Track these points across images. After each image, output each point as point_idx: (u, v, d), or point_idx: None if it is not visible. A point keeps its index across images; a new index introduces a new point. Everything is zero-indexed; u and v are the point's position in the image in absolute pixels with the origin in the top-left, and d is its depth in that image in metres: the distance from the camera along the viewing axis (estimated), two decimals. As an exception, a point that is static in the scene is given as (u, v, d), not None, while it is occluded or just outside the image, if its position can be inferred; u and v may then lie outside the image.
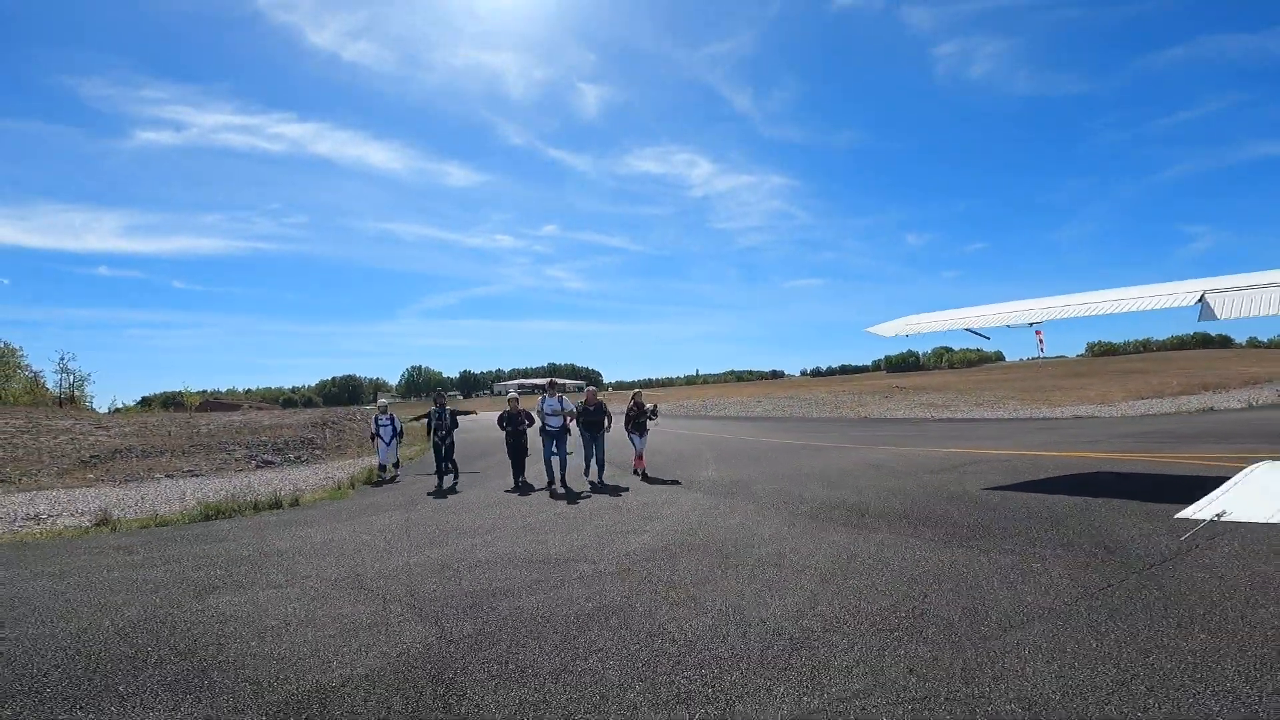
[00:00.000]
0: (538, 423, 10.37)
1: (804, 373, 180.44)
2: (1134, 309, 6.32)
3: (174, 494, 11.23)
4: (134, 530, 7.73)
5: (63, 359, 49.32)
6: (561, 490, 9.40)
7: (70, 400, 41.49)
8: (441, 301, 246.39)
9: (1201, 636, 3.17)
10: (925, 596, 3.96)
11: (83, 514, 9.13)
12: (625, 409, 11.44)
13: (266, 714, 2.92)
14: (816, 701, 2.78)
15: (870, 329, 9.57)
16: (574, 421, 10.43)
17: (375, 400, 13.53)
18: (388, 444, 12.90)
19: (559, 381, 15.69)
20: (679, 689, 2.96)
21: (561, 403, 10.37)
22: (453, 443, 11.36)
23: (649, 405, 11.53)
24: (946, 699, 2.72)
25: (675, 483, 9.62)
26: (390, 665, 3.36)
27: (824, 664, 3.12)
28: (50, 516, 9.22)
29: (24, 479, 14.45)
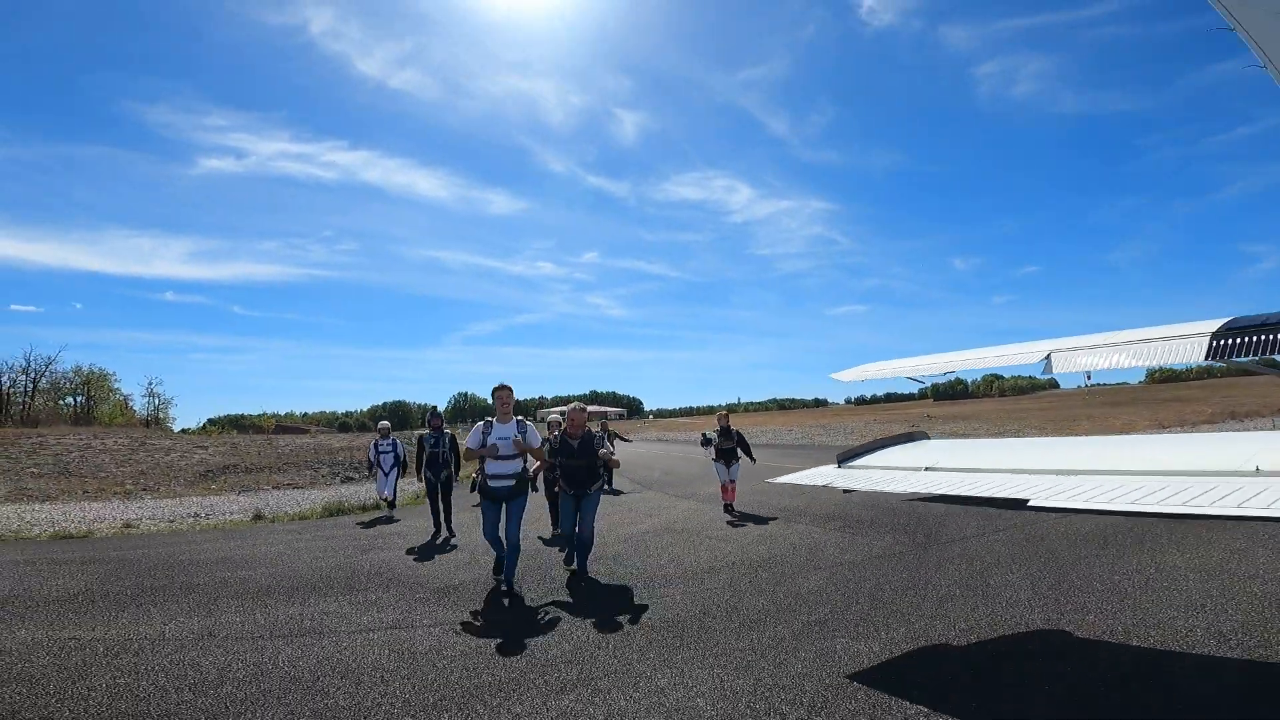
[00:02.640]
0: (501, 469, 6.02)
1: (848, 401, 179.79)
2: (991, 365, 9.05)
3: (289, 500, 14.59)
4: (285, 521, 11.00)
5: (150, 383, 54.86)
6: (506, 591, 5.85)
7: (156, 421, 46.52)
8: (485, 329, 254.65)
9: (948, 574, 5.90)
10: (788, 553, 6.76)
11: (234, 513, 12.50)
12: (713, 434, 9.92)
13: (431, 591, 5.95)
14: (700, 588, 5.64)
15: (834, 375, 12.27)
16: (538, 473, 6.60)
17: (377, 425, 12.85)
18: (387, 474, 11.69)
19: (579, 407, 7.22)
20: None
21: (522, 430, 6.05)
22: (451, 478, 9.27)
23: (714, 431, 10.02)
24: (759, 594, 5.55)
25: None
26: (482, 578, 6.36)
27: (709, 579, 5.99)
28: (208, 515, 12.60)
29: (161, 489, 18.17)
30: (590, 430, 6.64)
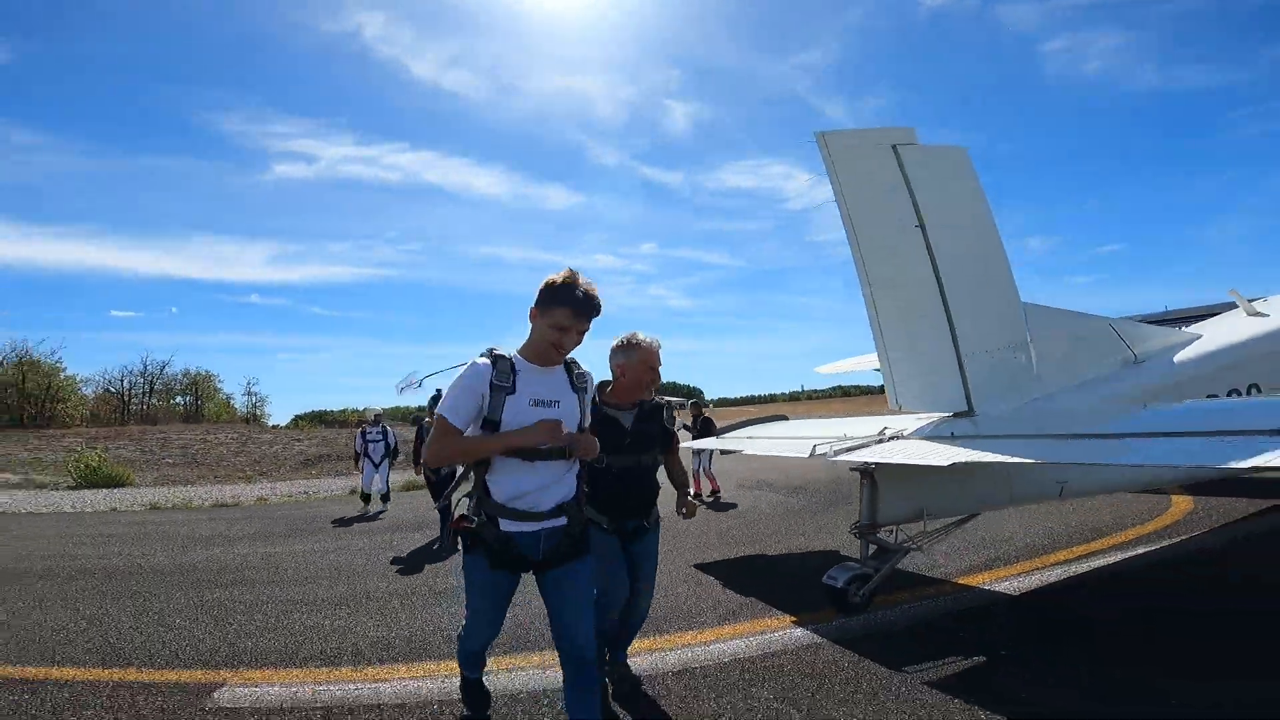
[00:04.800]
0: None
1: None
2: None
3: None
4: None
5: (248, 383, 61.37)
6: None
7: (255, 418, 52.44)
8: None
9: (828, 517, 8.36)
10: (742, 505, 9.32)
11: (334, 490, 15.95)
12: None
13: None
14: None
15: (818, 368, 14.55)
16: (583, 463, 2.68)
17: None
18: (376, 465, 10.98)
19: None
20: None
21: (586, 389, 2.66)
22: (454, 475, 6.57)
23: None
24: (716, 539, 8.16)
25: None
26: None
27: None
28: (316, 493, 16.11)
29: (272, 474, 22.22)
30: (661, 400, 3.45)
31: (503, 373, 2.43)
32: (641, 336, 3.26)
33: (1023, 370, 5.01)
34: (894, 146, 4.84)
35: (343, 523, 10.14)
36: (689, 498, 3.54)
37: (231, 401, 53.99)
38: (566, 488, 2.54)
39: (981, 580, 5.18)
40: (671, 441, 3.49)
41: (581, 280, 2.43)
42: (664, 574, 5.07)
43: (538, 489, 2.45)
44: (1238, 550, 5.87)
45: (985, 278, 5.00)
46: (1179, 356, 5.47)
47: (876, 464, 4.54)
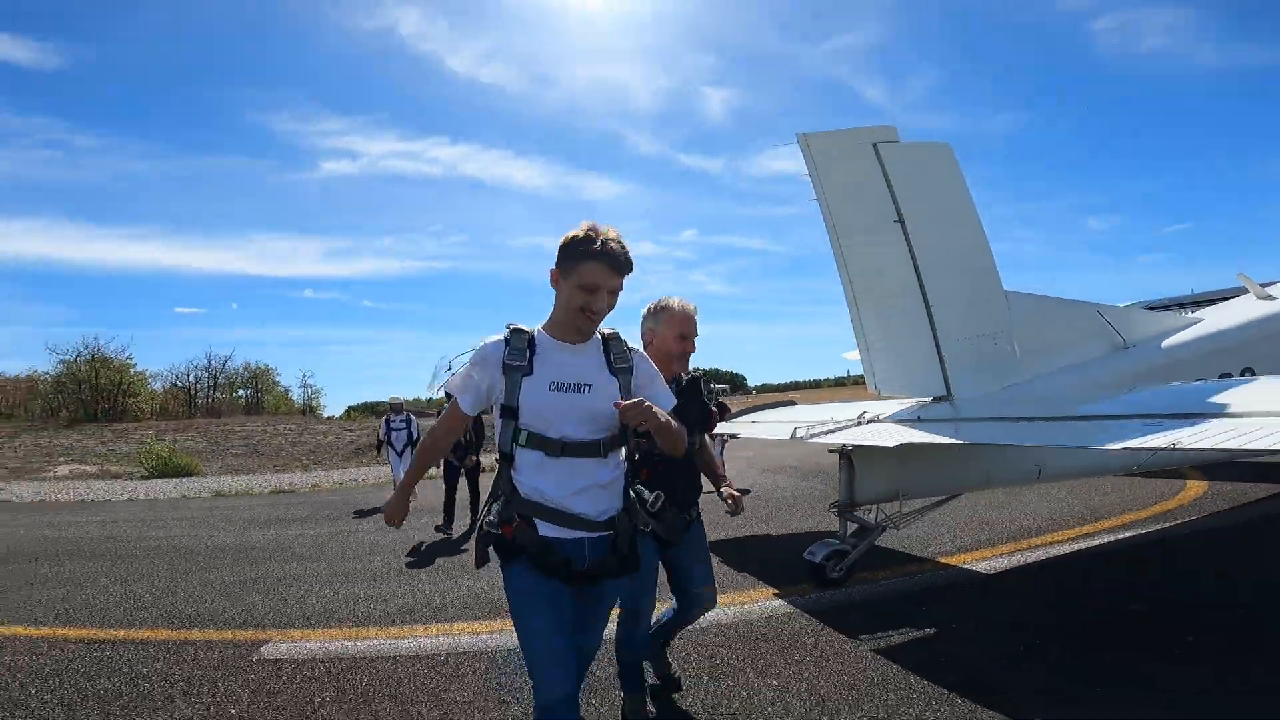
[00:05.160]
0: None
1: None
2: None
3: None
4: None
5: (304, 376, 64.15)
6: None
7: (310, 409, 54.80)
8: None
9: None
10: (759, 489, 9.70)
11: (380, 478, 16.90)
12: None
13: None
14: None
15: (845, 354, 14.71)
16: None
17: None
18: (400, 454, 10.76)
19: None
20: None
21: (627, 366, 2.16)
22: (478, 467, 8.29)
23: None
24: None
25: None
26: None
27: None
28: (365, 480, 17.10)
29: (326, 463, 23.54)
30: (697, 373, 3.13)
31: (517, 350, 2.03)
32: (673, 300, 2.94)
33: (1003, 356, 5.24)
34: (874, 145, 5.11)
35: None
36: (733, 492, 3.10)
37: (289, 394, 56.50)
38: (614, 496, 2.10)
39: (964, 560, 5.47)
40: (711, 422, 3.12)
41: (606, 230, 2.03)
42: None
43: (572, 491, 2.03)
44: (1225, 537, 5.98)
45: (966, 268, 5.25)
46: (1168, 341, 5.60)
47: (852, 445, 4.88)
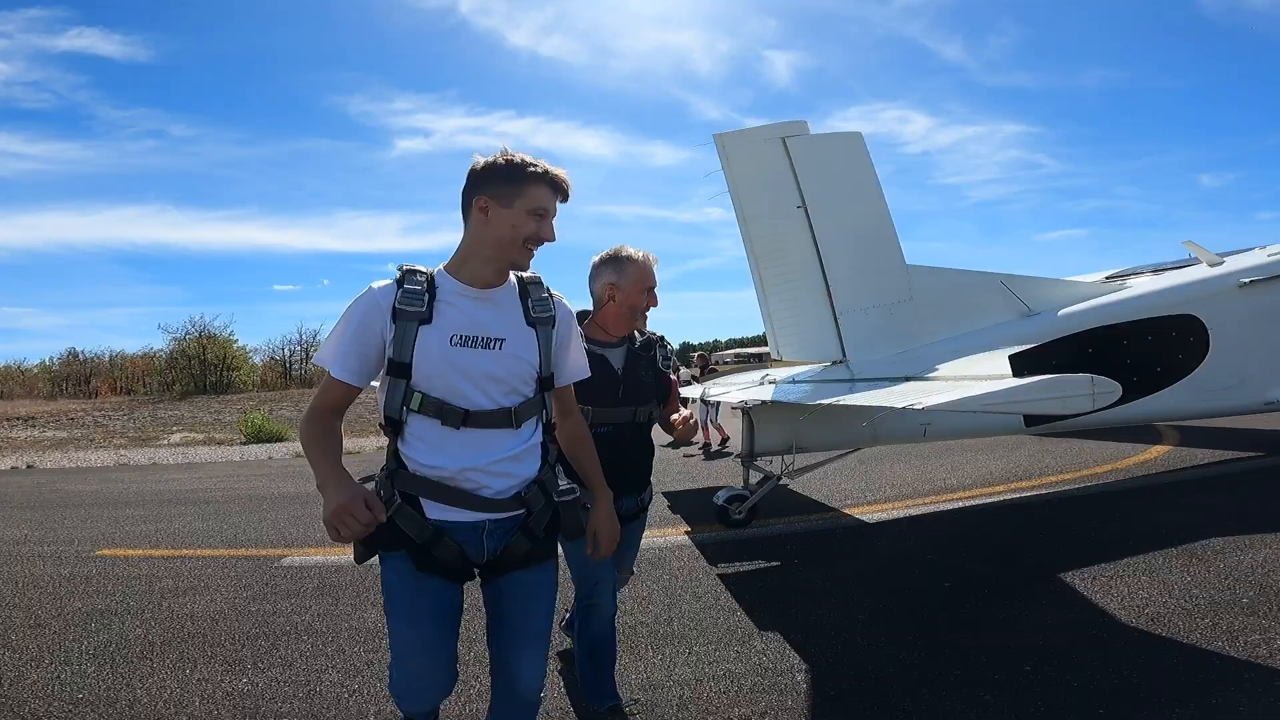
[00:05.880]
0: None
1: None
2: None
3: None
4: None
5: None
6: None
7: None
8: (661, 276, 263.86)
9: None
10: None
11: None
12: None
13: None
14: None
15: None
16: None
17: None
18: None
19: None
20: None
21: (549, 316, 1.89)
22: None
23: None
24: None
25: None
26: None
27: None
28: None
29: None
30: (655, 335, 2.79)
31: (413, 293, 1.70)
32: (631, 249, 2.61)
33: (901, 324, 5.96)
34: (783, 140, 5.89)
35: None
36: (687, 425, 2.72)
37: (374, 366, 60.62)
38: (526, 466, 1.81)
39: (865, 511, 6.21)
40: (670, 392, 2.79)
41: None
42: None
43: (475, 467, 1.73)
44: (1129, 501, 6.42)
45: (867, 245, 5.99)
46: (1065, 310, 6.07)
47: (751, 402, 5.77)
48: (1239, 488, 6.14)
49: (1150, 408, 5.90)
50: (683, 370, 12.58)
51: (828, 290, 5.88)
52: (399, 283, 1.74)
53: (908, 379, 5.14)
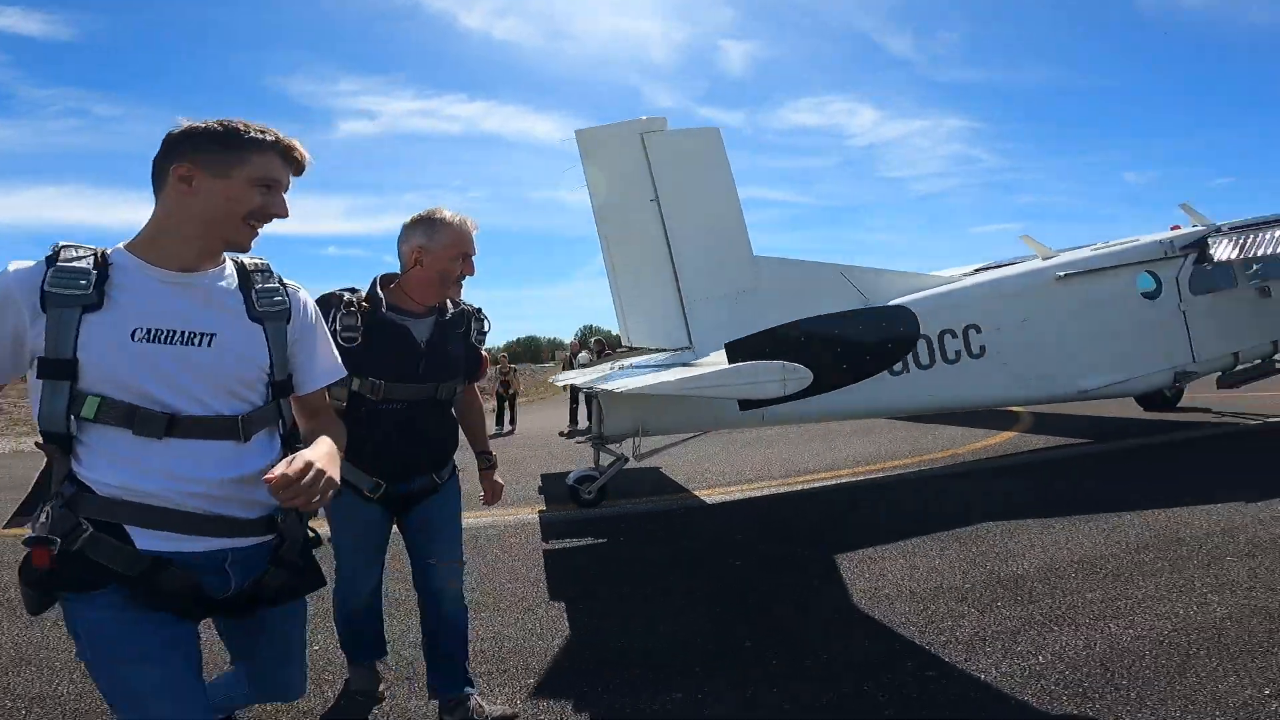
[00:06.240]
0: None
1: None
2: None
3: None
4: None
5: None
6: None
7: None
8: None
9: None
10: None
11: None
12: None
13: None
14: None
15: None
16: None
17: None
18: None
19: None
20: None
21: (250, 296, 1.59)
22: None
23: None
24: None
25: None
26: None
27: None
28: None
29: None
30: (470, 307, 2.59)
31: (68, 274, 1.36)
32: (446, 211, 2.38)
33: (745, 312, 6.28)
34: (641, 136, 6.15)
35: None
36: (495, 480, 2.72)
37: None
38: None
39: (711, 493, 6.50)
40: (480, 368, 2.66)
41: None
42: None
43: (194, 486, 1.43)
44: (946, 483, 6.91)
45: (716, 237, 6.30)
46: (899, 300, 6.50)
47: (599, 387, 6.01)
48: (1043, 473, 6.57)
49: (963, 394, 6.38)
50: (581, 353, 12.50)
51: (676, 280, 6.16)
52: (49, 261, 1.38)
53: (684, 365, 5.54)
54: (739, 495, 6.40)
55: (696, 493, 6.57)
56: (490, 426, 12.80)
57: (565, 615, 3.64)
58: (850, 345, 5.91)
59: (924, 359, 6.29)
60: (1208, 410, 9.36)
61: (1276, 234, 6.80)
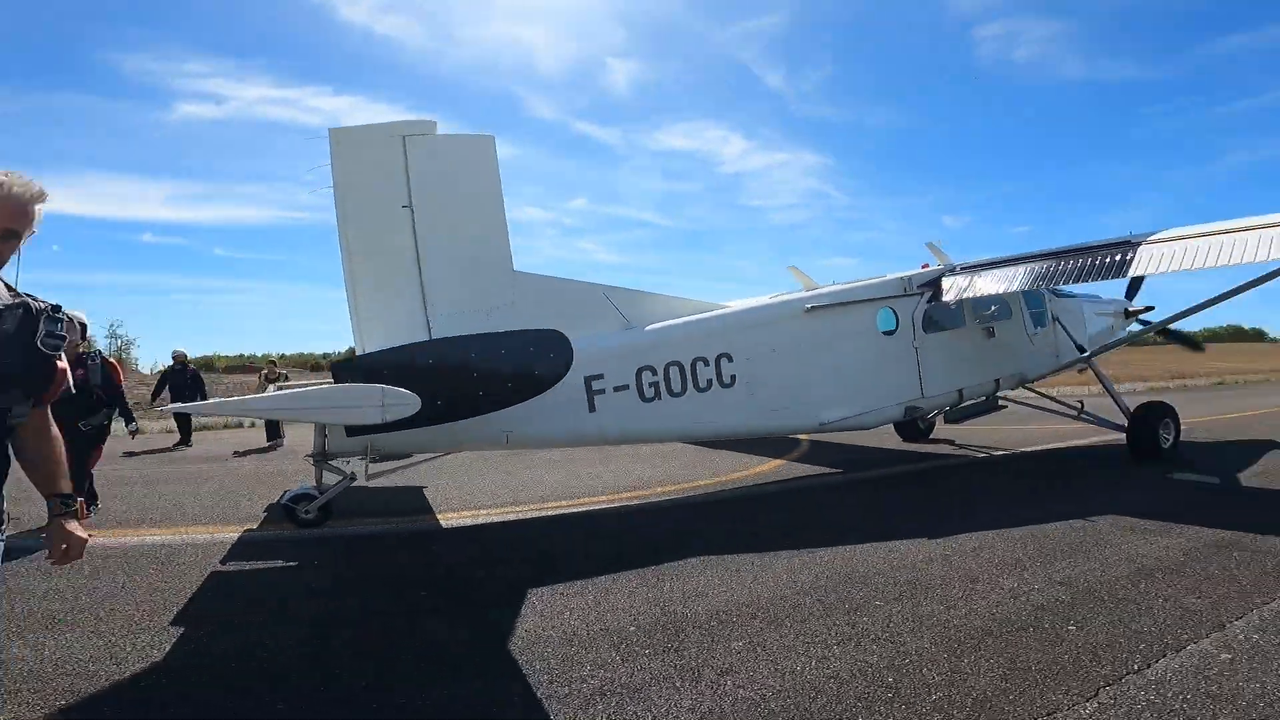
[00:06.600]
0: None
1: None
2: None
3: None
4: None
5: (113, 325, 58.64)
6: None
7: (120, 361, 50.39)
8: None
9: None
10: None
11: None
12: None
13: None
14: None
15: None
16: None
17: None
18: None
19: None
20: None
21: None
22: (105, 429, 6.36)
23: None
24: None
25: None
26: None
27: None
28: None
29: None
30: (30, 299, 1.95)
31: None
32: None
33: (499, 329, 6.01)
34: (403, 138, 5.70)
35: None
36: (68, 533, 2.03)
37: (94, 344, 51.61)
38: None
39: (452, 517, 6.24)
40: (50, 382, 2.00)
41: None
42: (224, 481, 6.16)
43: None
44: (683, 512, 7.13)
45: (474, 248, 5.96)
46: (653, 325, 6.54)
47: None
48: (775, 505, 6.77)
49: (713, 423, 6.53)
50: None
51: (423, 291, 5.78)
52: None
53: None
54: (482, 519, 6.14)
55: (442, 515, 6.23)
56: (263, 440, 12.01)
57: (172, 635, 3.50)
58: (487, 371, 5.47)
59: (675, 386, 6.35)
60: (951, 442, 10.43)
61: (996, 275, 7.52)
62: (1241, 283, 7.63)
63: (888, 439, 10.60)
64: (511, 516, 6.28)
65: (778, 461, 9.15)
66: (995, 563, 4.47)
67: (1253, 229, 6.24)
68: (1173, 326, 10.09)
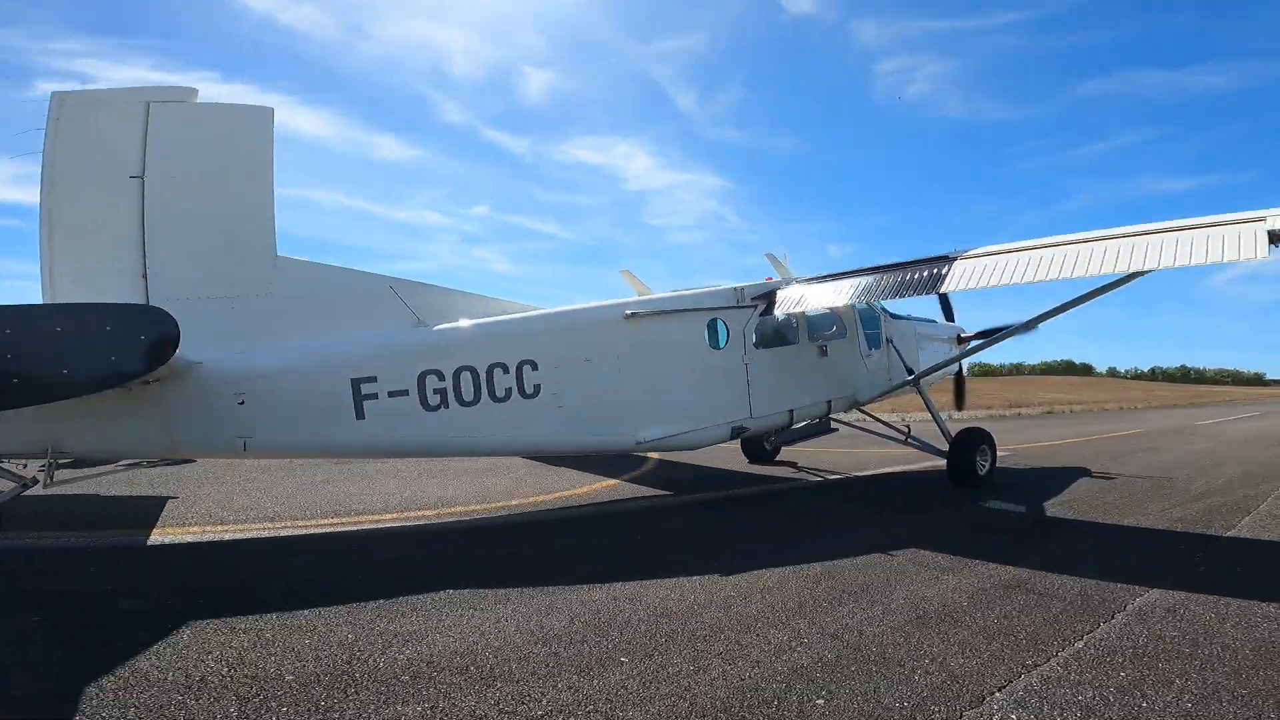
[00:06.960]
0: None
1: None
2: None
3: None
4: None
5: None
6: None
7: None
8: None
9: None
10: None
11: None
12: None
13: None
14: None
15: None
16: None
17: None
18: None
19: None
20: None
21: None
22: None
23: None
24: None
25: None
26: None
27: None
28: None
29: None
30: None
31: None
32: None
33: (249, 321, 5.09)
34: (148, 104, 4.89)
35: None
36: None
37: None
38: None
39: (172, 533, 5.30)
40: None
41: None
42: None
43: None
44: (494, 535, 6.30)
45: (229, 229, 5.07)
46: (443, 325, 5.79)
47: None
48: (572, 530, 6.12)
49: (510, 437, 5.86)
50: None
51: (144, 273, 4.78)
52: None
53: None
54: (210, 537, 5.19)
55: (165, 530, 5.28)
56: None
57: None
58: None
59: (467, 394, 5.62)
60: (794, 465, 10.26)
61: (825, 288, 7.23)
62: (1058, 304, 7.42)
63: (733, 459, 10.32)
64: (252, 535, 5.31)
65: (613, 481, 8.57)
66: (778, 608, 3.95)
67: (1061, 244, 6.03)
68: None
